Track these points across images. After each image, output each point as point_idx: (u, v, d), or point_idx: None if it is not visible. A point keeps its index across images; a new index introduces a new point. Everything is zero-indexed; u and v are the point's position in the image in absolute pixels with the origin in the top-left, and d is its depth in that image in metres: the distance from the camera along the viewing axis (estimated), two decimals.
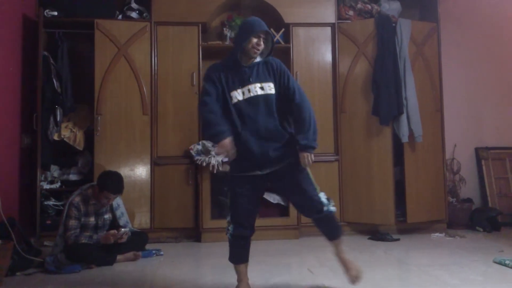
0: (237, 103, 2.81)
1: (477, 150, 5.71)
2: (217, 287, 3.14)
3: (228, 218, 2.93)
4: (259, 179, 2.86)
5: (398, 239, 4.63)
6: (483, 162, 5.64)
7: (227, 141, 2.68)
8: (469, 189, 5.54)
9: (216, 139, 2.73)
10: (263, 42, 2.85)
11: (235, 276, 2.98)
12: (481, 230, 5.00)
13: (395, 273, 3.54)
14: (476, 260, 3.75)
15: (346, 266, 2.96)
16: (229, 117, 2.79)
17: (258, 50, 2.84)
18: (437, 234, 4.86)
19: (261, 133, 2.79)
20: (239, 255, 2.96)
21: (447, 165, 5.36)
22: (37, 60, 4.58)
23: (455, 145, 5.55)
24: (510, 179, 5.62)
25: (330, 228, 3.01)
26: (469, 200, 5.34)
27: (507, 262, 3.55)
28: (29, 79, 4.63)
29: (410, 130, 4.78)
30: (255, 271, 3.45)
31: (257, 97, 2.81)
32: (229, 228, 2.91)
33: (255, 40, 2.80)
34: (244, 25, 2.89)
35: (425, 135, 4.85)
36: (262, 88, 2.83)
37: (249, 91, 2.82)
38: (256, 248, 4.38)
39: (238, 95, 2.82)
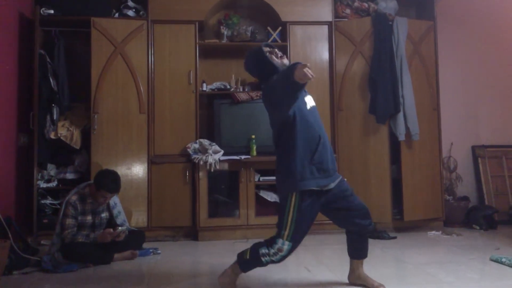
0: (310, 109, 2.83)
1: (473, 148, 5.73)
2: (214, 285, 3.13)
3: (283, 245, 2.72)
4: (324, 195, 2.79)
5: (395, 237, 4.64)
6: (479, 160, 5.65)
7: (300, 63, 2.46)
8: (465, 187, 5.55)
9: (291, 70, 2.49)
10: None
11: None
12: (478, 228, 5.02)
13: (391, 271, 3.55)
14: (472, 258, 3.77)
15: (366, 281, 3.00)
16: (307, 120, 2.76)
17: (279, 52, 2.93)
18: (433, 232, 4.87)
19: (328, 143, 2.82)
20: (252, 269, 2.90)
21: (444, 163, 5.37)
22: (33, 58, 4.58)
23: (452, 143, 5.56)
24: (506, 177, 5.64)
25: (363, 247, 3.01)
26: (465, 198, 5.36)
27: (503, 260, 3.56)
28: (25, 77, 4.62)
29: (407, 128, 4.78)
30: (252, 270, 3.46)
31: (316, 108, 2.91)
32: (277, 255, 2.73)
33: (267, 49, 2.89)
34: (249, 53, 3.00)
35: (422, 133, 4.86)
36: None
37: (311, 100, 2.89)
38: None
39: (309, 101, 2.86)
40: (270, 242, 2.77)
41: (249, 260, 2.82)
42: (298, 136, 2.72)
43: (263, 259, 2.75)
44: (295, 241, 2.74)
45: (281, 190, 2.84)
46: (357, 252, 3.03)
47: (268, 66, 2.86)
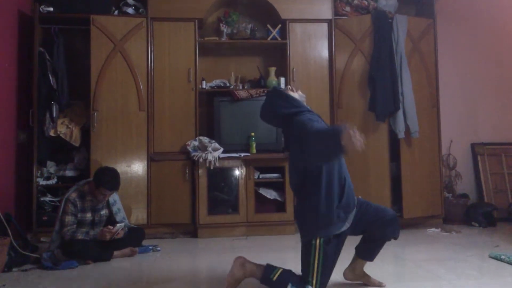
0: None
1: (473, 145, 5.73)
2: (213, 282, 3.14)
3: None
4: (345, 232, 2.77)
5: None
6: (479, 157, 5.66)
7: (347, 127, 2.28)
8: (465, 185, 5.57)
9: (337, 135, 2.30)
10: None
11: None
12: (477, 225, 5.03)
13: (391, 268, 3.55)
14: (471, 255, 3.78)
15: (368, 280, 2.99)
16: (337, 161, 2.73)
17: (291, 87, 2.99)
18: (433, 229, 4.88)
19: (350, 182, 2.81)
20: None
21: (443, 161, 5.38)
22: (32, 56, 4.58)
23: (451, 141, 5.56)
24: (505, 175, 5.65)
25: (375, 250, 2.96)
26: (465, 196, 5.37)
27: (502, 257, 3.57)
28: (25, 75, 4.62)
29: (406, 126, 4.79)
30: None
31: None
32: None
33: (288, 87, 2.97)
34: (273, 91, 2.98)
35: (421, 131, 4.87)
36: None
37: None
38: (253, 243, 4.41)
39: None
40: (301, 286, 2.66)
41: (273, 282, 2.70)
42: (326, 179, 2.66)
43: None
44: (323, 284, 2.68)
45: (305, 234, 2.74)
46: (367, 252, 2.97)
47: (290, 101, 2.82)
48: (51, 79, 4.60)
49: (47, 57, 4.64)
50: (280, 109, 2.82)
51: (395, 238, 2.92)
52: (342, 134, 2.26)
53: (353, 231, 2.80)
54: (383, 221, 2.82)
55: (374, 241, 2.92)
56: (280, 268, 2.75)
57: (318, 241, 2.65)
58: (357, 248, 3.01)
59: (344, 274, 3.05)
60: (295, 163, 2.82)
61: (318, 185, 2.66)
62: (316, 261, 2.65)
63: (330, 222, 2.65)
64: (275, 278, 2.69)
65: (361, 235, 2.93)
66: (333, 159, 2.55)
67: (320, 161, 2.61)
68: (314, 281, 2.64)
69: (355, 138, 2.23)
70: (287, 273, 2.72)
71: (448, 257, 3.74)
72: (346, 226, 2.72)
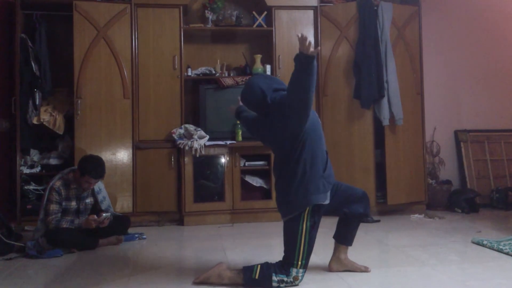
0: (319, 122, 2.84)
1: (456, 132, 5.79)
2: (200, 270, 3.15)
3: (297, 273, 2.70)
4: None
5: (378, 221, 4.69)
6: (462, 144, 5.72)
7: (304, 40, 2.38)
8: (448, 171, 5.63)
9: (297, 55, 2.44)
10: None
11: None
12: (460, 211, 5.09)
13: (375, 254, 3.60)
14: (454, 241, 3.83)
15: (353, 266, 3.01)
16: (321, 133, 2.78)
17: None
18: (416, 215, 4.94)
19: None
20: None
21: (427, 148, 5.43)
22: (14, 42, 4.50)
23: (435, 128, 5.62)
24: (488, 161, 5.72)
25: (351, 233, 3.00)
26: (448, 182, 5.43)
27: (484, 242, 3.63)
28: (6, 62, 4.55)
29: (391, 113, 4.82)
30: (237, 253, 3.49)
31: None
32: (294, 283, 2.69)
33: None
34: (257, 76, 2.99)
35: (406, 118, 4.90)
36: None
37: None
38: (238, 230, 4.43)
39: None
40: (285, 270, 2.70)
41: (258, 281, 2.69)
42: (313, 148, 2.69)
43: (276, 284, 2.68)
44: (307, 264, 2.73)
45: (292, 210, 2.74)
46: (344, 236, 3.00)
47: (271, 78, 2.92)
48: (34, 66, 4.54)
49: (29, 43, 4.57)
50: (260, 84, 2.80)
51: (366, 215, 2.99)
52: (300, 50, 2.39)
53: (326, 210, 2.81)
54: (353, 198, 2.89)
55: (347, 222, 2.97)
56: (256, 265, 2.76)
57: (305, 216, 2.69)
58: (334, 236, 3.04)
59: (330, 267, 3.04)
60: (278, 139, 2.79)
61: (305, 156, 2.67)
62: (303, 239, 2.69)
63: (317, 190, 2.67)
64: (257, 276, 2.70)
65: (332, 215, 2.96)
66: (307, 69, 2.45)
67: (304, 101, 2.54)
68: (299, 262, 2.68)
69: (308, 43, 2.35)
70: (266, 266, 2.74)
71: (431, 243, 3.80)
72: (328, 199, 2.74)
